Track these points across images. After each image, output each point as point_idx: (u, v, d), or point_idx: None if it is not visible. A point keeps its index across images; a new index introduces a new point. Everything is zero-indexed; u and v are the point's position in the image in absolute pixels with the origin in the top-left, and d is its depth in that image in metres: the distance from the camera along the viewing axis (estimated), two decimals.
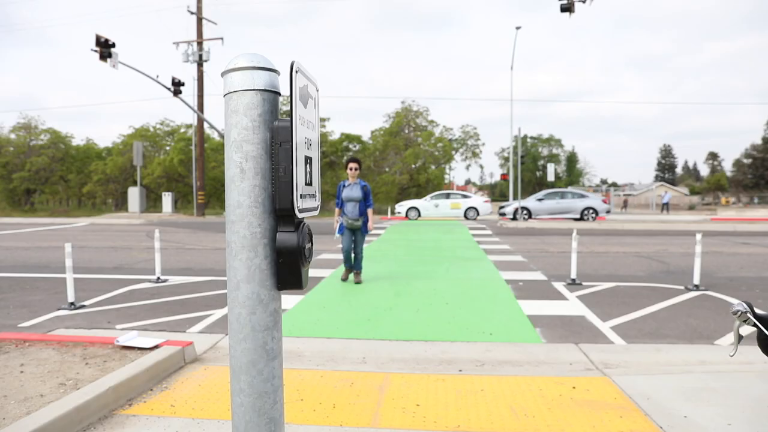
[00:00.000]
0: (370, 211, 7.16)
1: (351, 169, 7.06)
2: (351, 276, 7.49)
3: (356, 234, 7.14)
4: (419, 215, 25.09)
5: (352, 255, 7.23)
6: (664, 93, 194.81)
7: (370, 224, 7.15)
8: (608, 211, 23.62)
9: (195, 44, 26.08)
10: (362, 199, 7.03)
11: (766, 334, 1.13)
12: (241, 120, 1.17)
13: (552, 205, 23.17)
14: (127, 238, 14.70)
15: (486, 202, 25.54)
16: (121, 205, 39.07)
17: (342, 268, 7.90)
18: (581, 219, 22.53)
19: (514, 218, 22.99)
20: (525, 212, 22.94)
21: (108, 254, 10.97)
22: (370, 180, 40.41)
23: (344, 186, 7.18)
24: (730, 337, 4.77)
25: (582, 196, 23.59)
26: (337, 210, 7.22)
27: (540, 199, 23.52)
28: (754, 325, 1.11)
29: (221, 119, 1.32)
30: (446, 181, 43.74)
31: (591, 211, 22.55)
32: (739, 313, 1.13)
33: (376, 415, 3.01)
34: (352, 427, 2.86)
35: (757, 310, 1.15)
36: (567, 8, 14.07)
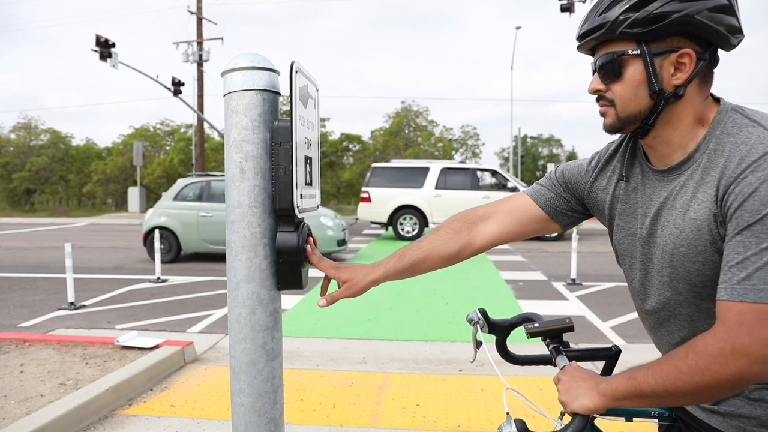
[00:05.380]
0: None
1: None
2: None
3: None
4: None
5: None
6: None
7: None
8: None
9: (195, 44, 26.06)
10: None
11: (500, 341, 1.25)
12: (241, 120, 1.17)
13: None
14: (127, 238, 14.68)
15: None
16: (121, 205, 39.08)
17: None
18: None
19: None
20: None
21: (108, 254, 10.97)
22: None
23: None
24: None
25: None
26: None
27: None
28: (489, 332, 1.20)
29: (221, 119, 1.31)
30: None
31: None
32: (473, 321, 1.19)
33: (376, 415, 3.01)
34: (352, 427, 2.86)
35: (492, 317, 1.22)
36: (567, 8, 14.05)
